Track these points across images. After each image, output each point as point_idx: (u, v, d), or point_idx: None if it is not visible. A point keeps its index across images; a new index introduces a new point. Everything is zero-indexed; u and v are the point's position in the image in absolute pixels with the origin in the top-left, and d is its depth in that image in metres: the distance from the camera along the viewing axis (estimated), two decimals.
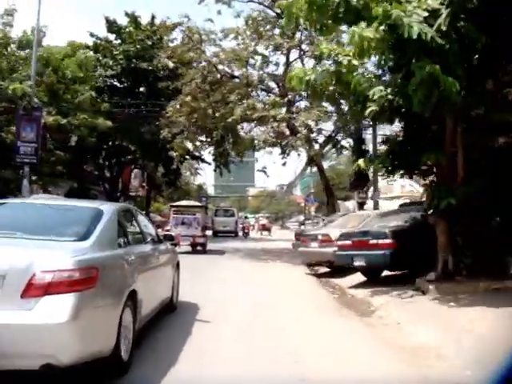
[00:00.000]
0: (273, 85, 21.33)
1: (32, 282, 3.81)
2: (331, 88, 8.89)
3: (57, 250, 4.21)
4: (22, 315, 3.75)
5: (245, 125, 21.00)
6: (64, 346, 3.82)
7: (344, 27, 17.61)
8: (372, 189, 25.25)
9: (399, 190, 45.57)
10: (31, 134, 18.23)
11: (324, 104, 20.30)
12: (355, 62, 8.35)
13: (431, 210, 8.72)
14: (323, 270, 14.05)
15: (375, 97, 7.71)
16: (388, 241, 9.65)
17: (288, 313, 8.11)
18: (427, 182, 9.36)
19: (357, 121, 21.39)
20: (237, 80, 20.58)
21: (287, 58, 20.46)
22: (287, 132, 18.58)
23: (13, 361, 3.75)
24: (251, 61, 20.62)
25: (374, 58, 9.45)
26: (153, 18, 32.07)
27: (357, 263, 10.30)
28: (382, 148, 16.67)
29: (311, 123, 18.34)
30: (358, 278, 11.20)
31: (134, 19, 31.87)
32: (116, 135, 29.36)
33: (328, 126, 24.61)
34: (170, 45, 24.17)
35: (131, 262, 5.09)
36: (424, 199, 26.27)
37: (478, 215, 8.50)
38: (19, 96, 18.47)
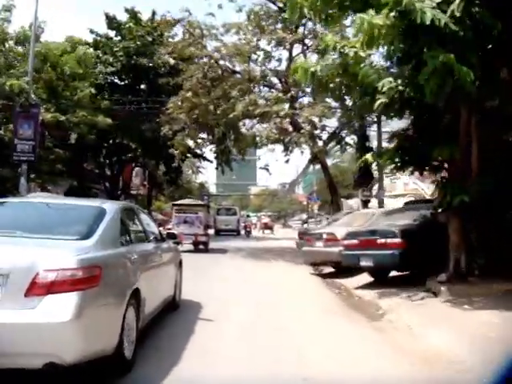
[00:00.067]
0: (275, 80, 20.92)
1: (35, 280, 3.81)
2: (337, 80, 8.47)
3: (60, 248, 4.20)
4: (26, 314, 3.75)
5: (247, 121, 20.62)
6: (67, 344, 3.83)
7: (348, 22, 17.49)
8: (376, 186, 24.93)
9: (402, 188, 45.34)
10: (29, 132, 17.93)
11: (328, 100, 19.95)
12: (362, 54, 7.96)
13: (443, 208, 8.33)
14: (328, 269, 13.65)
15: (384, 88, 7.32)
16: (397, 240, 9.22)
17: (292, 314, 7.80)
18: (438, 178, 8.91)
19: (361, 117, 21.06)
20: (238, 76, 20.18)
21: (290, 53, 20.03)
22: (290, 128, 18.15)
23: (16, 359, 3.75)
24: (253, 56, 20.21)
25: (382, 50, 9.18)
26: (153, 13, 31.67)
27: (364, 263, 9.88)
28: (387, 146, 16.33)
29: (315, 119, 17.90)
30: (365, 278, 10.81)
31: (133, 15, 31.51)
32: (116, 133, 28.99)
33: (332, 123, 24.20)
34: (171, 41, 23.69)
35: (134, 260, 5.09)
36: (428, 197, 25.93)
37: (493, 212, 8.07)
38: (16, 92, 18.16)
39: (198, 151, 30.67)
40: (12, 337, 3.69)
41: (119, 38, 31.75)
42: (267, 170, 23.70)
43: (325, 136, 21.16)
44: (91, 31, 31.62)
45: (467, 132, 7.95)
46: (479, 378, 4.28)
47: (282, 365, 5.03)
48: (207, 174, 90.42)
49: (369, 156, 8.68)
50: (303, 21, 19.57)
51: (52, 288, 3.81)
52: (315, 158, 21.13)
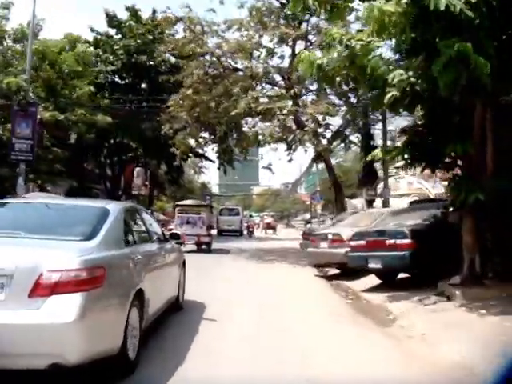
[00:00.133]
0: (278, 78, 20.50)
1: (39, 281, 3.82)
2: (344, 73, 8.05)
3: (64, 249, 4.21)
4: (30, 315, 3.76)
5: (249, 120, 20.23)
6: (71, 345, 3.83)
7: (352, 18, 17.10)
8: (381, 185, 24.53)
9: (406, 188, 44.89)
10: (26, 130, 17.61)
11: (332, 97, 19.59)
12: (370, 46, 7.55)
13: (455, 206, 7.91)
14: (333, 271, 13.23)
15: (395, 81, 6.91)
16: (407, 241, 8.79)
17: (296, 318, 7.43)
18: (450, 176, 8.47)
19: (365, 115, 20.72)
20: (240, 73, 19.77)
21: (293, 50, 19.57)
22: (294, 126, 17.73)
23: (20, 360, 3.75)
24: (255, 53, 19.77)
25: (390, 42, 8.80)
26: (154, 11, 31.25)
27: (372, 265, 9.46)
28: (391, 145, 15.91)
29: (319, 117, 17.46)
30: (372, 280, 10.41)
31: (134, 13, 31.19)
32: (117, 132, 28.61)
33: (335, 121, 23.80)
34: (171, 38, 23.27)
35: (138, 261, 5.09)
36: (433, 196, 25.50)
37: (508, 211, 7.63)
38: (14, 91, 17.78)
39: (200, 150, 30.32)
40: (16, 337, 3.70)
41: (120, 36, 31.46)
42: (270, 169, 23.31)
43: (329, 134, 20.78)
44: (91, 29, 31.32)
45: (482, 127, 7.52)
46: None
47: (285, 366, 4.99)
48: (209, 175, 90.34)
49: (378, 152, 8.26)
50: (306, 16, 19.20)
51: (56, 289, 3.82)
52: (319, 157, 20.71)
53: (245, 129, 20.65)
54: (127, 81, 31.69)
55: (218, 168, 31.35)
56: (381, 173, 24.11)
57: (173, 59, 28.27)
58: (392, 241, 9.00)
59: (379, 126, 22.80)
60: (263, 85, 20.00)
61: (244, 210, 52.77)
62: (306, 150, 19.81)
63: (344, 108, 19.99)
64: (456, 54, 6.08)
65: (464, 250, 7.97)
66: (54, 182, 23.83)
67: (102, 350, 4.10)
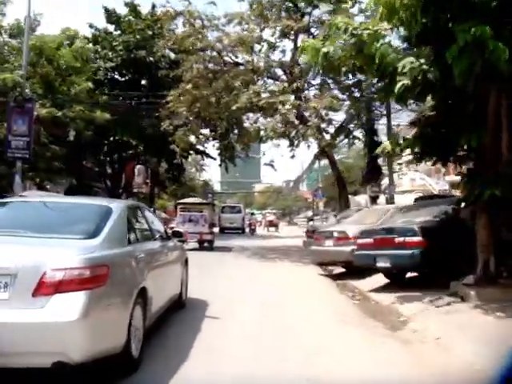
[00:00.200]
0: (280, 72, 20.09)
1: (43, 280, 3.83)
2: (350, 62, 7.65)
3: (67, 248, 4.21)
4: (34, 313, 3.77)
5: (250, 115, 19.81)
6: (75, 343, 3.85)
7: (355, 10, 16.68)
8: (385, 182, 24.10)
9: (409, 184, 44.53)
10: (23, 127, 17.21)
11: (335, 92, 19.14)
12: (379, 33, 7.15)
13: (468, 202, 7.50)
14: (337, 270, 12.83)
15: (406, 69, 6.53)
16: (417, 239, 8.37)
17: (301, 322, 7.02)
18: (462, 170, 8.07)
19: (369, 109, 20.27)
20: (241, 67, 19.35)
21: (295, 43, 19.11)
22: (296, 121, 17.30)
23: (24, 359, 3.77)
24: (257, 47, 19.35)
25: (398, 32, 8.40)
26: (153, 6, 30.80)
27: (380, 264, 9.04)
28: (396, 137, 15.41)
29: (322, 111, 17.03)
30: (379, 280, 9.98)
31: (133, 8, 30.78)
32: (116, 129, 28.18)
33: (339, 117, 23.36)
34: (171, 33, 22.82)
35: (141, 259, 5.12)
36: (436, 192, 25.04)
37: None
38: (10, 87, 17.40)
39: (201, 147, 29.95)
40: (20, 336, 3.72)
41: (119, 32, 31.01)
42: (272, 166, 22.88)
43: (332, 130, 20.36)
44: (90, 26, 30.91)
45: (496, 115, 7.10)
46: None
47: (287, 364, 4.94)
48: (211, 172, 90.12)
49: (387, 144, 7.84)
50: (308, 9, 18.81)
51: (60, 287, 3.83)
52: (322, 153, 20.30)
53: (246, 124, 20.27)
54: (127, 77, 31.27)
55: (220, 165, 31.00)
56: (385, 169, 23.69)
57: (172, 55, 27.86)
58: (401, 239, 8.58)
59: (382, 121, 22.40)
60: (265, 79, 19.56)
61: (246, 208, 52.47)
62: (308, 146, 19.45)
63: (347, 103, 19.54)
64: (472, 39, 5.69)
65: (478, 248, 7.57)
66: (52, 179, 23.47)
67: (106, 348, 4.12)
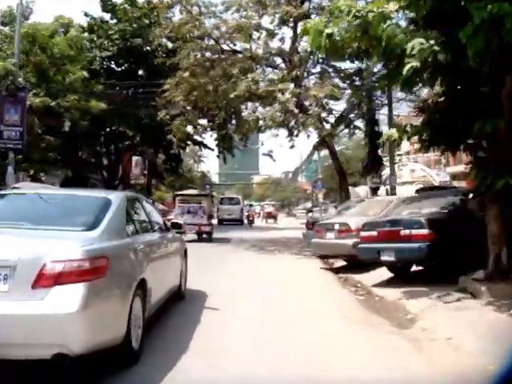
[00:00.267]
0: (279, 60, 19.59)
1: (43, 272, 3.83)
2: (355, 45, 7.22)
3: (66, 239, 4.22)
4: (33, 305, 3.78)
5: (249, 104, 19.38)
6: (75, 335, 3.86)
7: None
8: (386, 172, 23.71)
9: (409, 175, 44.29)
10: (15, 117, 16.85)
11: (336, 80, 18.70)
12: (385, 13, 6.72)
13: (479, 192, 7.11)
14: (339, 263, 12.47)
15: (415, 50, 6.12)
16: (424, 231, 7.98)
17: (303, 319, 6.72)
18: (471, 159, 7.64)
19: (369, 99, 19.84)
20: (239, 55, 18.87)
21: (294, 31, 18.58)
22: (296, 110, 16.84)
23: (25, 350, 3.77)
24: (255, 34, 18.81)
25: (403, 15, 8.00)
26: None
27: (385, 258, 8.66)
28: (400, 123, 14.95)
29: (323, 100, 16.57)
30: (382, 274, 9.63)
31: None
32: (112, 119, 27.67)
33: (339, 107, 22.89)
34: (168, 22, 22.28)
35: (140, 250, 5.15)
36: (436, 184, 24.62)
37: None
38: (2, 75, 16.94)
39: (198, 138, 29.48)
40: (20, 328, 3.73)
41: (114, 20, 30.39)
42: (271, 156, 22.49)
43: (332, 120, 19.93)
44: (85, 14, 30.25)
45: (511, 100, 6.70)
46: None
47: (288, 361, 4.83)
48: (209, 163, 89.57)
49: (393, 131, 7.42)
50: None
51: (59, 279, 3.84)
52: (322, 143, 19.87)
53: (244, 114, 19.80)
54: (123, 67, 30.72)
55: (218, 156, 30.62)
56: (385, 160, 23.31)
57: (170, 44, 27.33)
58: (407, 231, 8.20)
59: (383, 111, 21.99)
60: (263, 67, 19.07)
61: (244, 199, 52.14)
62: (308, 136, 19.05)
63: (348, 91, 19.09)
64: (489, 17, 5.27)
65: (489, 239, 7.20)
66: (47, 171, 23.04)
67: (106, 339, 4.12)
